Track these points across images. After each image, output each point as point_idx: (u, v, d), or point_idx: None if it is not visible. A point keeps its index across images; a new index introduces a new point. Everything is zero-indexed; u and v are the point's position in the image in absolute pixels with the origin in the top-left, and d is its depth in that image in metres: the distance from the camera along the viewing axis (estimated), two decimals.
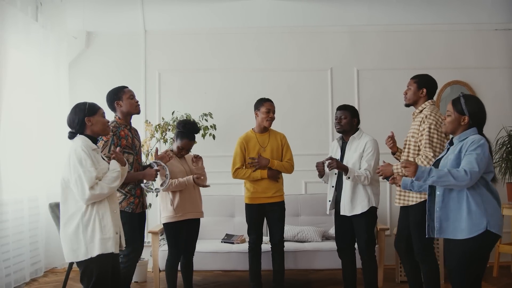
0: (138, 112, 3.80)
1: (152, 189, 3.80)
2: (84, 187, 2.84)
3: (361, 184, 3.90)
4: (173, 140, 4.16)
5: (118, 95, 3.70)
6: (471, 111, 2.92)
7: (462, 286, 2.88)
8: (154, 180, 3.74)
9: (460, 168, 2.81)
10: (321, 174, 4.08)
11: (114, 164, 3.06)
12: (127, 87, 3.79)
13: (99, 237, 2.91)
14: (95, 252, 2.90)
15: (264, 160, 4.24)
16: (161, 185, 3.78)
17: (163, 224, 4.10)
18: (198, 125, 5.04)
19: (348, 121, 3.98)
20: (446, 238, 2.95)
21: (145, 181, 3.75)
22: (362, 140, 3.97)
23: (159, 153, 3.94)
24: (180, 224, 4.04)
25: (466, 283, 2.87)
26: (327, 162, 3.88)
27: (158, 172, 3.70)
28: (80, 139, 3.00)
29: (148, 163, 4.11)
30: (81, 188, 2.85)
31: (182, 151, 4.11)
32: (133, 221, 3.60)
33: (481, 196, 2.84)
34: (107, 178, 2.96)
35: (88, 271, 2.94)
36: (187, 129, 4.07)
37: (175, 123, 4.43)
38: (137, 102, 3.78)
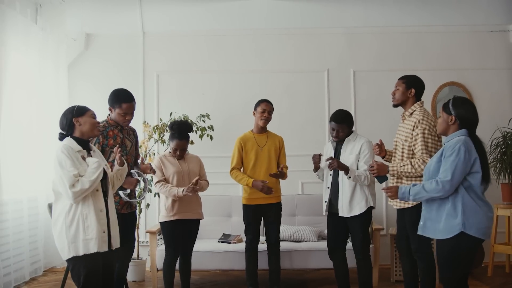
0: (125, 126, 3.81)
1: (130, 198, 3.70)
2: (65, 187, 2.91)
3: (359, 186, 3.93)
4: (170, 143, 4.20)
5: (116, 104, 3.70)
6: (457, 111, 2.99)
7: (448, 284, 2.97)
8: (134, 189, 3.71)
9: (436, 178, 2.93)
10: (316, 167, 4.12)
11: (91, 159, 3.07)
12: (127, 104, 3.70)
13: (82, 237, 2.96)
14: (79, 252, 2.96)
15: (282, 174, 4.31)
16: (139, 196, 3.74)
17: (160, 222, 4.18)
18: (193, 124, 5.12)
19: (345, 133, 4.01)
20: (433, 237, 3.07)
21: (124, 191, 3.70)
22: (358, 142, 4.01)
23: (144, 164, 3.90)
24: (174, 223, 4.07)
25: (451, 282, 2.95)
26: (327, 162, 3.91)
27: (142, 181, 3.70)
28: (64, 141, 3.07)
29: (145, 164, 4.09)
30: (64, 189, 2.93)
31: (177, 152, 4.16)
32: (128, 221, 3.62)
33: (462, 198, 2.91)
34: (87, 172, 2.99)
35: (76, 269, 3.00)
36: (175, 130, 4.12)
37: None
38: (129, 119, 3.76)
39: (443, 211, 2.95)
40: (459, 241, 2.89)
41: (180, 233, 4.11)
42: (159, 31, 5.95)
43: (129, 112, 3.75)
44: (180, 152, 4.16)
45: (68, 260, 3.02)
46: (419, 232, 3.12)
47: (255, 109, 4.44)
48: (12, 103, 4.81)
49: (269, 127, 4.52)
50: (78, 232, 2.96)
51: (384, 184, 4.13)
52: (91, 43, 5.91)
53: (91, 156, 3.14)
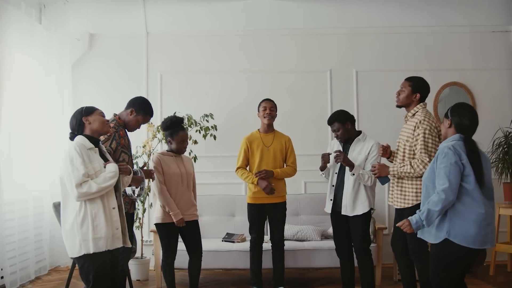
0: (130, 131, 3.91)
1: (133, 196, 3.75)
2: (72, 184, 2.94)
3: (362, 186, 3.97)
4: (169, 142, 4.15)
5: (142, 112, 3.80)
6: (452, 116, 3.03)
7: (436, 286, 3.01)
8: (138, 187, 3.73)
9: (436, 190, 2.91)
10: (324, 166, 4.12)
11: (111, 166, 3.09)
12: (150, 117, 3.92)
13: (92, 236, 2.98)
14: (90, 250, 2.98)
15: (269, 173, 4.31)
16: (138, 195, 3.73)
17: (155, 224, 4.09)
18: (196, 124, 5.34)
19: (343, 130, 4.03)
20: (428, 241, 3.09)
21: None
22: (367, 143, 4.04)
23: (146, 168, 3.93)
24: (171, 225, 4.02)
25: (438, 284, 2.98)
26: (334, 154, 3.94)
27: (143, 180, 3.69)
28: (77, 138, 3.09)
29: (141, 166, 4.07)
30: (70, 186, 2.96)
31: (184, 144, 4.14)
32: (127, 221, 3.63)
33: (452, 204, 2.90)
34: (100, 177, 3.00)
35: (85, 267, 3.02)
36: (174, 124, 4.11)
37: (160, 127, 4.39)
38: (138, 128, 3.91)
39: None
40: (443, 247, 2.91)
41: (176, 234, 4.09)
42: (162, 31, 5.97)
43: (146, 123, 3.93)
44: (186, 144, 4.16)
45: (78, 258, 3.03)
46: (418, 235, 3.11)
47: (258, 110, 4.49)
48: (16, 103, 4.84)
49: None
50: (88, 230, 2.98)
51: (386, 186, 4.15)
52: (95, 43, 5.93)
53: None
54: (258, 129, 4.53)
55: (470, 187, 2.89)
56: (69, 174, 2.95)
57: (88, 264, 3.01)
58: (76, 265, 4.16)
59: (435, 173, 2.97)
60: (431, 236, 3.00)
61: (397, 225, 3.07)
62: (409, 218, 2.98)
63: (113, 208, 3.09)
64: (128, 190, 3.68)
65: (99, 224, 3.00)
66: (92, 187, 2.95)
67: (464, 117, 3.02)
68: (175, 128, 4.11)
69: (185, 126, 5.25)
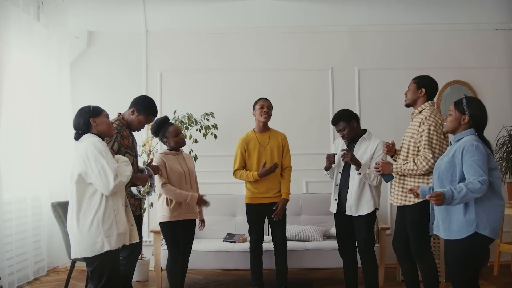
0: (134, 130, 3.83)
1: (141, 195, 3.74)
2: (108, 177, 2.92)
3: (367, 186, 3.92)
4: (166, 142, 4.10)
5: (144, 112, 3.70)
6: (471, 112, 2.96)
7: (459, 284, 2.94)
8: (145, 185, 3.72)
9: (473, 179, 2.81)
10: (329, 166, 4.07)
11: (121, 156, 3.22)
12: (154, 117, 3.83)
13: (116, 231, 2.99)
14: (112, 246, 2.96)
15: (283, 202, 4.29)
16: (148, 193, 3.74)
17: (160, 223, 4.04)
18: (196, 123, 5.32)
19: (349, 129, 3.97)
20: (445, 238, 3.02)
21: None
22: (373, 141, 3.98)
23: (152, 164, 3.93)
24: (176, 224, 3.99)
25: (462, 281, 2.93)
26: (341, 153, 3.89)
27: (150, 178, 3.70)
28: (90, 136, 3.08)
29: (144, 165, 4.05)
30: (105, 179, 2.92)
31: (180, 135, 4.10)
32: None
33: (476, 198, 2.85)
34: (121, 167, 3.06)
35: (101, 266, 2.97)
36: (162, 122, 4.08)
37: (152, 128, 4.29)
38: (142, 127, 3.83)
39: (454, 211, 2.92)
40: (473, 241, 2.85)
41: (181, 233, 4.05)
42: (162, 29, 5.91)
43: (148, 124, 3.86)
44: (181, 136, 4.12)
45: (93, 258, 2.97)
46: (433, 232, 3.08)
47: (253, 108, 4.41)
48: (15, 101, 4.78)
49: (273, 125, 4.49)
50: (112, 226, 2.97)
51: (390, 184, 4.09)
52: (94, 41, 5.87)
53: None
54: (253, 129, 4.45)
55: (493, 180, 2.88)
56: (102, 166, 2.92)
57: (104, 262, 2.98)
58: (75, 266, 4.21)
59: (455, 167, 2.91)
60: (450, 232, 2.92)
61: (427, 196, 2.85)
62: (443, 191, 2.81)
63: (126, 206, 3.16)
64: (134, 190, 3.66)
65: (121, 219, 3.03)
66: (123, 177, 3.02)
67: (483, 114, 2.99)
68: (164, 127, 4.08)
69: (184, 125, 5.24)
